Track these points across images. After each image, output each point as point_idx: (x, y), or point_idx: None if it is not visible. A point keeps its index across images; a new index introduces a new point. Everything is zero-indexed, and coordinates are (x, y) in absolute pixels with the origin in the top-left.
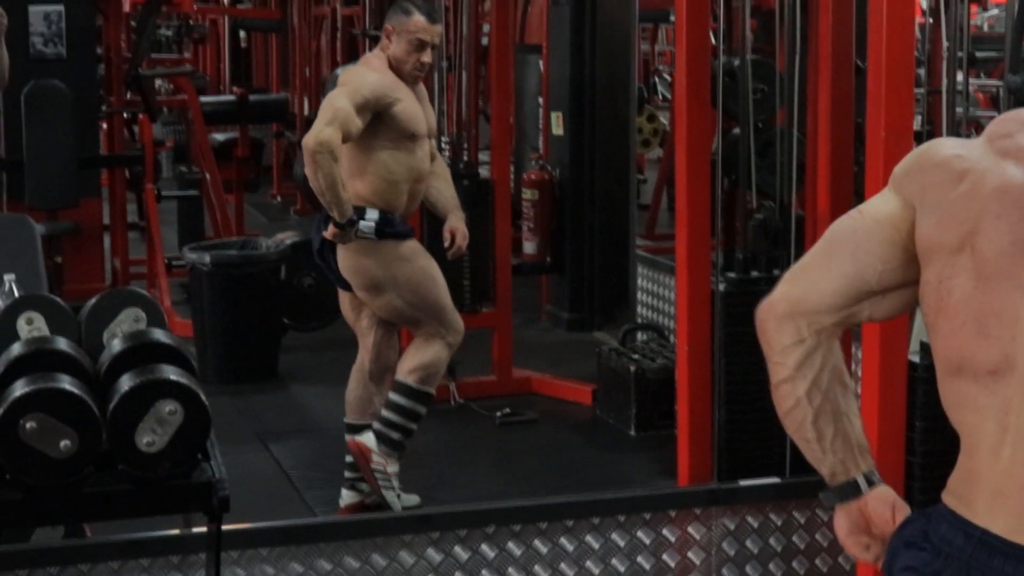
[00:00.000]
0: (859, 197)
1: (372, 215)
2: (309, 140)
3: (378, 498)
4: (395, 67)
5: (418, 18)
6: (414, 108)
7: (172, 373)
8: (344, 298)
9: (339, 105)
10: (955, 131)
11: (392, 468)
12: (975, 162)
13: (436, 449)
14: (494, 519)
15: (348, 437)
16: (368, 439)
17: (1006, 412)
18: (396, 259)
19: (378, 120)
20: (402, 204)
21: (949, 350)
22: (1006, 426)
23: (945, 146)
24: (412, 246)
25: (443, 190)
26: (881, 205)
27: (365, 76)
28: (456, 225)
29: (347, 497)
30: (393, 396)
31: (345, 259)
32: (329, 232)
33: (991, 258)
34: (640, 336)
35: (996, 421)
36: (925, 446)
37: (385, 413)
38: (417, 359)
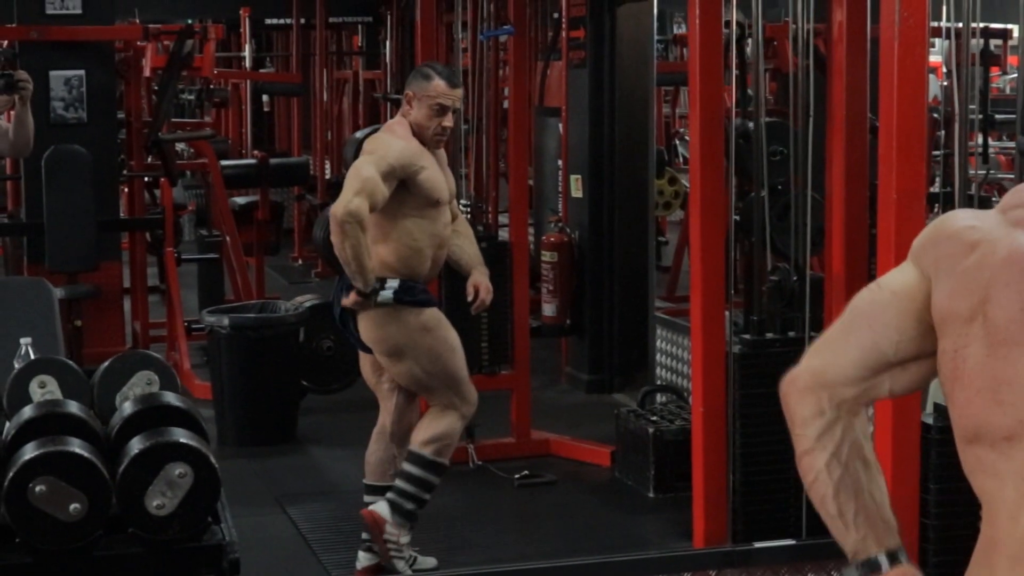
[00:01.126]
0: (875, 259)
1: (392, 284)
2: (338, 209)
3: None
4: (417, 132)
5: (438, 83)
6: (437, 175)
7: (182, 436)
8: (365, 361)
9: (366, 175)
10: (968, 193)
11: (404, 539)
12: (987, 232)
13: (454, 511)
14: None
15: (366, 499)
16: (382, 509)
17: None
18: (417, 328)
19: (403, 188)
20: (425, 270)
21: (965, 418)
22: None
23: (959, 217)
24: (434, 315)
25: (465, 247)
26: (898, 276)
27: (391, 144)
28: (480, 279)
29: (364, 559)
30: (407, 467)
31: (367, 328)
32: (350, 300)
33: (1002, 326)
34: (659, 398)
35: (1014, 487)
36: (940, 508)
37: (399, 483)
38: (431, 431)
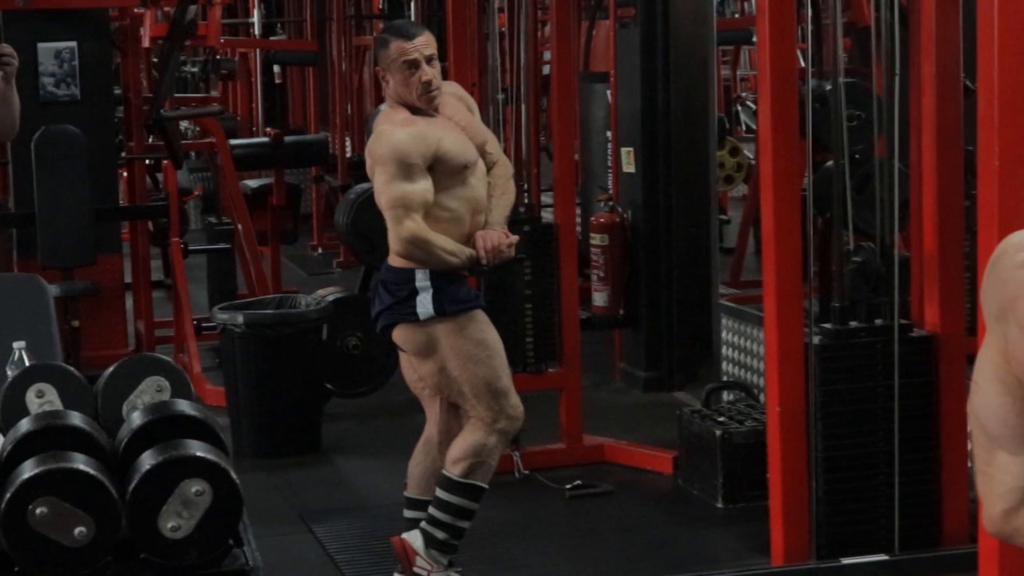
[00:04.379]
0: (971, 234)
1: (425, 295)
2: (397, 247)
3: None
4: (407, 103)
5: (395, 43)
6: (455, 137)
7: (198, 449)
8: (405, 361)
9: (395, 195)
10: None
11: (438, 574)
12: None
13: (500, 526)
14: None
15: (406, 513)
16: (414, 538)
17: None
18: (451, 326)
19: (430, 166)
20: (464, 242)
21: None
22: None
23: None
24: (473, 314)
25: (492, 210)
26: (983, 355)
27: (393, 139)
28: (485, 231)
29: None
30: (438, 491)
31: (400, 327)
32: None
33: None
34: (726, 396)
35: None
36: None
37: (431, 510)
38: (458, 447)
